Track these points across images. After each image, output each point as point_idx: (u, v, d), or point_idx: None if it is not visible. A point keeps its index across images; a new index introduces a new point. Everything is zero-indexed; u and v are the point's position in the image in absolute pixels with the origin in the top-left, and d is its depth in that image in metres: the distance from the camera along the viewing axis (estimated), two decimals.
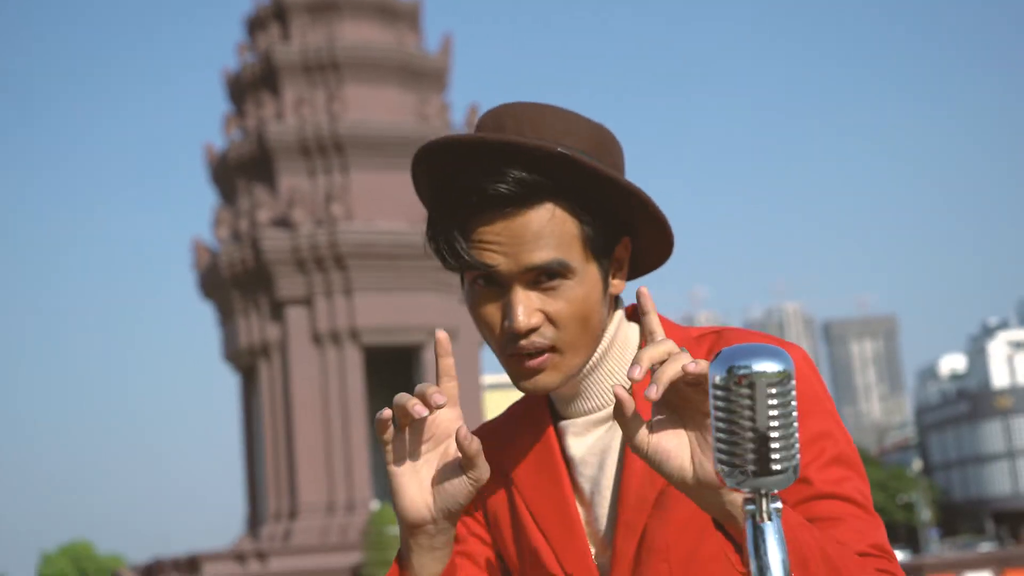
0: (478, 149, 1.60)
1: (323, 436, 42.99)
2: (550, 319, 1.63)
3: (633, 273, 1.82)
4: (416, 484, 1.57)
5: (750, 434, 1.23)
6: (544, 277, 1.62)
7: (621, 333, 1.77)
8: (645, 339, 1.55)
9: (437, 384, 1.54)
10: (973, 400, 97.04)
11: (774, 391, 1.22)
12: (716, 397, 1.25)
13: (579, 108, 1.75)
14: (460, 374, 43.41)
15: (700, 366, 1.33)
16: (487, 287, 1.65)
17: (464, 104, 63.70)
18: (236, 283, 44.70)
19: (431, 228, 1.67)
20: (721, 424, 1.25)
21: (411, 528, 1.58)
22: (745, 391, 1.23)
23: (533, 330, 1.62)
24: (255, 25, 48.76)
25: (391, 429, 1.52)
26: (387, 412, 1.50)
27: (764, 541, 1.27)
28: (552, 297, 1.63)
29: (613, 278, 1.73)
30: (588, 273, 1.65)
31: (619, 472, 1.73)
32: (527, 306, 1.62)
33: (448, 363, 1.55)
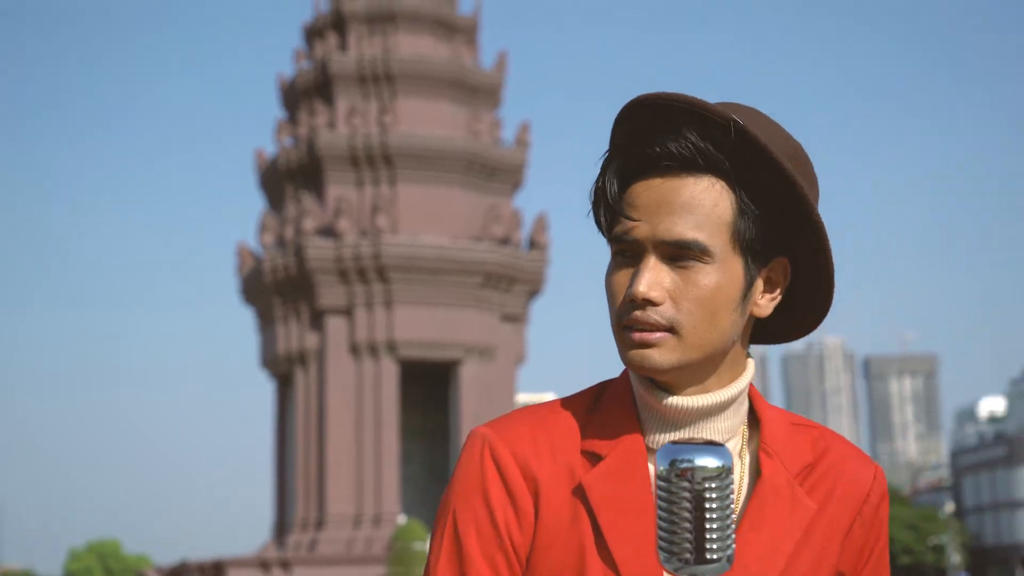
0: (673, 110, 1.53)
1: (355, 447, 43.08)
2: (674, 298, 1.55)
3: (777, 324, 1.72)
4: None
5: (688, 524, 1.32)
6: (680, 253, 1.54)
7: (746, 392, 1.65)
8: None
9: None
10: (1011, 444, 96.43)
11: (712, 485, 1.32)
12: (660, 487, 1.34)
13: None
14: (497, 394, 43.65)
15: None
16: (624, 259, 1.58)
17: (516, 121, 63.40)
18: (278, 290, 44.85)
19: (597, 182, 1.62)
20: (663, 513, 1.33)
21: None
22: (685, 484, 1.32)
23: (653, 303, 1.54)
24: (313, 33, 49.09)
25: None
26: None
27: None
28: (683, 277, 1.55)
29: (760, 296, 1.61)
30: (730, 265, 1.56)
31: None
32: (654, 276, 1.54)
33: None
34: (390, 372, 43.48)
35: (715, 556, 1.33)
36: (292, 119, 47.95)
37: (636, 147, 1.56)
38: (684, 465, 1.32)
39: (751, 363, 1.67)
